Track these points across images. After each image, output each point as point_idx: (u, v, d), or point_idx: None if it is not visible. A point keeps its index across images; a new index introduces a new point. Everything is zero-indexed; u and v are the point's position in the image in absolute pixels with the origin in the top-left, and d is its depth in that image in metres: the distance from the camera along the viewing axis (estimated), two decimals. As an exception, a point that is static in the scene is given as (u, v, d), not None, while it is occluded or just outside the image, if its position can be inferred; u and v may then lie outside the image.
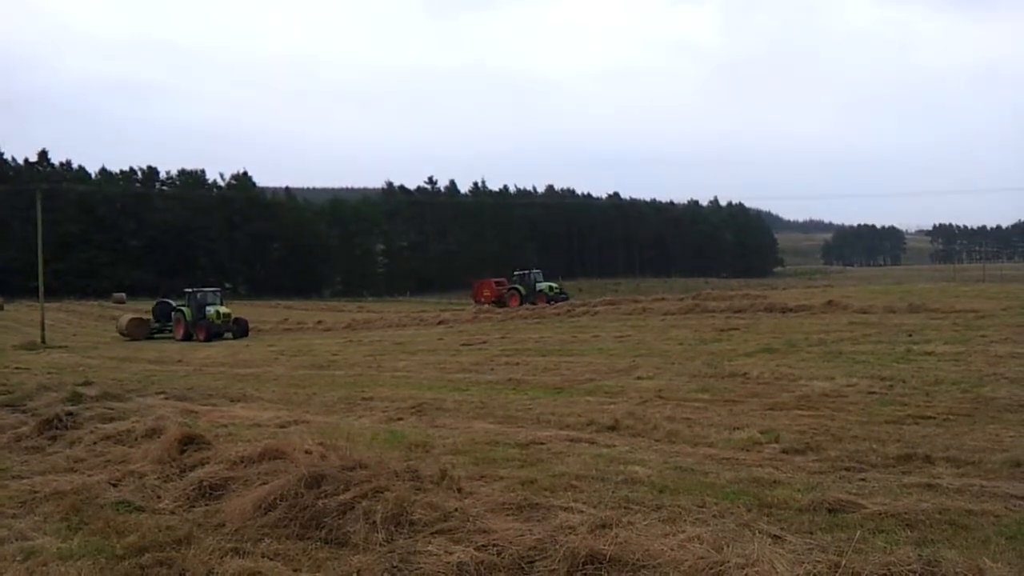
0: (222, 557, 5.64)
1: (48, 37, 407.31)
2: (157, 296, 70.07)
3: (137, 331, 44.22)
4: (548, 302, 43.95)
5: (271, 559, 5.59)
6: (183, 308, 42.59)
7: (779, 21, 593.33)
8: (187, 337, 40.82)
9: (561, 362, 18.59)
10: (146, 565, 5.61)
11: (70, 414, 11.24)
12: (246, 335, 41.08)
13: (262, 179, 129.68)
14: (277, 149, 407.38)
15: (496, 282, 52.94)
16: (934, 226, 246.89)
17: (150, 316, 46.10)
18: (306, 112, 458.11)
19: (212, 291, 45.03)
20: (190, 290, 44.19)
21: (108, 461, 8.79)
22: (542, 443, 9.61)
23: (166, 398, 15.37)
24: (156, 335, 44.54)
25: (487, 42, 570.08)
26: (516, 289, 49.58)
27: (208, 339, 39.10)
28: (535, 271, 51.92)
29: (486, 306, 48.09)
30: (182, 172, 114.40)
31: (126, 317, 46.49)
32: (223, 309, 42.01)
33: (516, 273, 52.02)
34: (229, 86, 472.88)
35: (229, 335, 40.74)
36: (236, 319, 42.09)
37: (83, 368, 23.98)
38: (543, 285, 49.61)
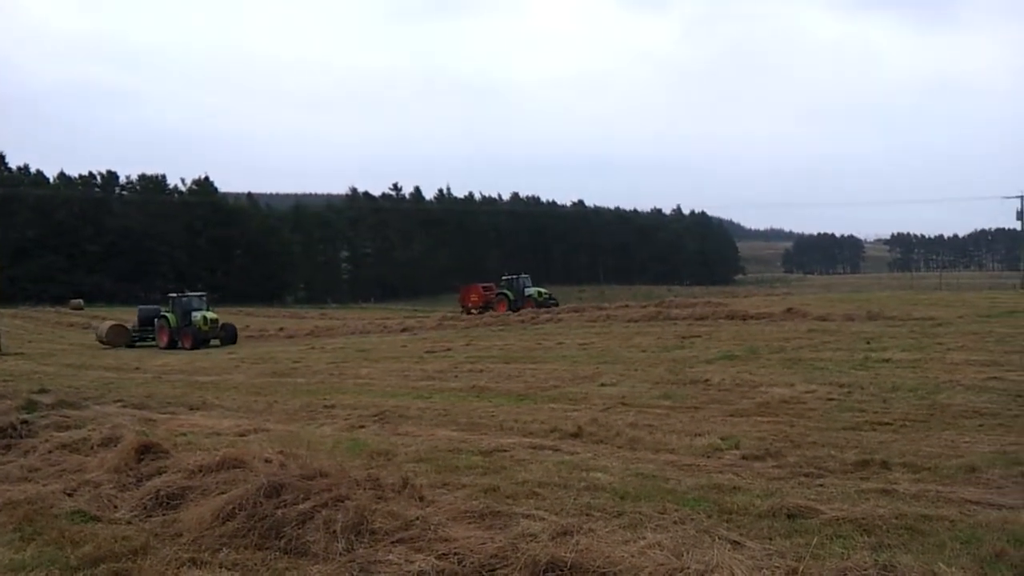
0: (179, 567, 5.56)
1: (3, 36, 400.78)
2: (115, 303, 68.99)
3: (118, 339, 42.15)
4: (537, 307, 43.12)
5: (229, 569, 5.52)
6: (167, 314, 40.29)
7: (739, 32, 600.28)
8: (172, 345, 38.87)
9: (525, 369, 18.60)
10: (101, 576, 5.53)
11: (25, 422, 11.01)
12: (235, 342, 39.19)
13: (224, 184, 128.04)
14: (239, 154, 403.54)
15: (484, 287, 52.05)
16: (892, 235, 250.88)
17: (132, 323, 43.85)
18: (269, 117, 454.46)
19: (197, 296, 42.80)
20: (174, 295, 41.96)
21: (63, 470, 8.62)
22: (505, 450, 9.62)
23: (123, 406, 15.16)
24: (138, 343, 42.31)
25: (453, 49, 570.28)
26: (504, 294, 48.71)
27: (195, 346, 37.27)
28: (523, 276, 50.61)
29: (474, 311, 47.43)
30: (142, 177, 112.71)
31: (106, 324, 44.25)
32: (210, 315, 39.93)
33: (504, 278, 50.84)
34: (191, 90, 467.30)
35: (217, 342, 38.91)
36: (224, 325, 40.13)
37: (39, 375, 23.55)
38: (532, 290, 48.61)
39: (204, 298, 42.84)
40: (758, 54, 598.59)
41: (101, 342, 42.29)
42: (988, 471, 7.68)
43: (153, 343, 41.13)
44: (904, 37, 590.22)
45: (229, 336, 39.60)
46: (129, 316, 50.65)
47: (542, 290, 49.82)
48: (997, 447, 8.74)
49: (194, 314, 39.42)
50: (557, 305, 45.23)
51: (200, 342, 37.94)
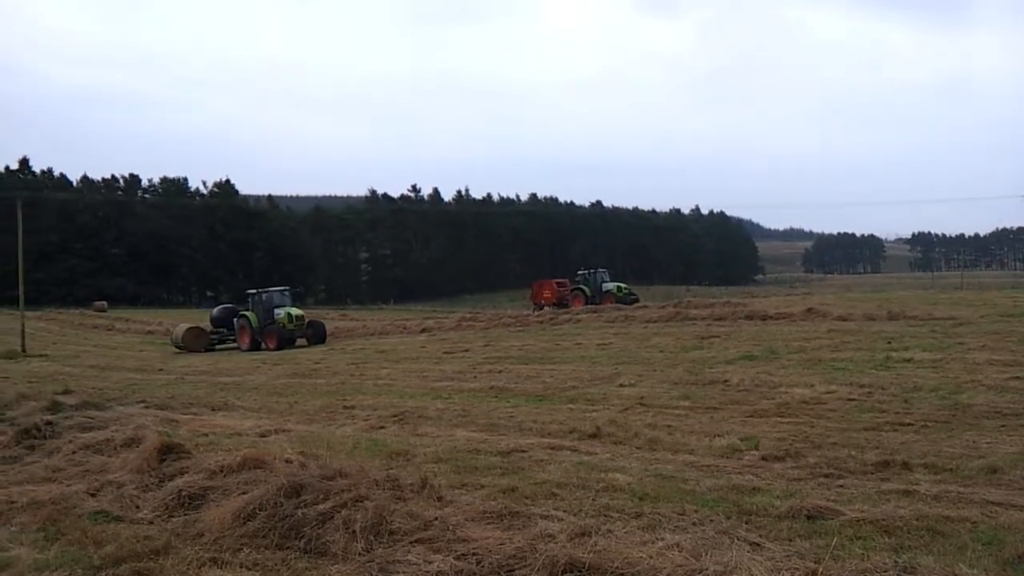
0: (200, 567, 5.61)
1: (28, 43, 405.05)
2: (138, 305, 69.15)
3: (196, 342, 38.09)
4: (618, 303, 40.20)
5: (249, 569, 5.56)
6: (247, 313, 36.51)
7: (751, 33, 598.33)
8: (255, 346, 35.15)
9: (543, 370, 18.61)
10: (123, 575, 5.58)
11: (49, 423, 11.13)
12: (323, 341, 35.46)
13: (245, 187, 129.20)
14: (260, 157, 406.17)
15: (558, 283, 49.81)
16: (913, 234, 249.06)
17: (208, 325, 39.95)
18: (289, 120, 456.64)
19: (280, 291, 38.39)
20: (254, 291, 37.99)
21: (87, 471, 8.71)
22: (524, 451, 9.64)
23: (146, 407, 15.23)
24: (218, 346, 38.67)
25: (471, 52, 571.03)
26: (580, 290, 46.32)
27: (280, 347, 33.70)
28: (601, 270, 48.32)
29: (547, 308, 44.48)
30: (164, 180, 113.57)
31: (182, 328, 39.75)
32: (295, 311, 35.91)
33: (580, 273, 48.41)
34: (211, 94, 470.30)
35: (304, 341, 35.43)
36: (311, 322, 36.46)
37: (63, 377, 23.75)
38: (610, 285, 45.95)
39: (287, 293, 38.62)
40: (771, 55, 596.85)
41: (177, 347, 38.44)
42: (1010, 472, 7.62)
43: (234, 346, 37.83)
44: (917, 35, 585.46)
45: (318, 335, 35.81)
46: (151, 317, 50.80)
47: (622, 285, 47.34)
48: (1019, 448, 8.67)
49: (277, 311, 35.74)
50: (637, 301, 42.23)
51: (286, 342, 34.47)
